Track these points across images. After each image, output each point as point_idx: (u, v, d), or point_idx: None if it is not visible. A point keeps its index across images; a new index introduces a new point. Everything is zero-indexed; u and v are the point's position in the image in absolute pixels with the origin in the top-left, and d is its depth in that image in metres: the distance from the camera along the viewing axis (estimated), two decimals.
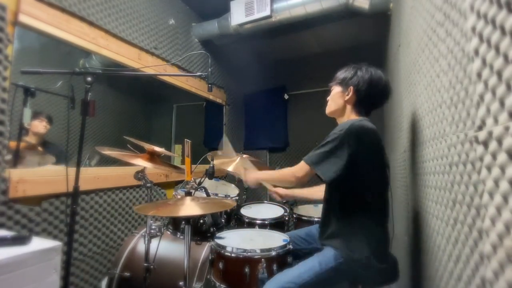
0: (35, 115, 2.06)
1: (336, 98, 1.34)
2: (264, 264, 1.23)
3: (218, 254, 1.30)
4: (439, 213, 0.91)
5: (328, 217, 1.27)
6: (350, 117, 1.30)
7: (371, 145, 1.16)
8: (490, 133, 0.55)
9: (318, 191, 1.74)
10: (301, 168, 1.21)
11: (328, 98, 1.39)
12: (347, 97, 1.29)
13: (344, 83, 1.31)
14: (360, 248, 1.14)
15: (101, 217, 1.87)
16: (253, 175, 1.50)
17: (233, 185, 2.17)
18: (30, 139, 2.04)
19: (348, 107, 1.31)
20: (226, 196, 1.81)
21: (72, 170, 1.29)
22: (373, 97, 1.29)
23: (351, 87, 1.28)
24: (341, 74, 1.34)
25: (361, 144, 1.12)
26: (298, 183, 1.24)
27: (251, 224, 1.82)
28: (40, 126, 2.06)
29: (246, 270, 1.22)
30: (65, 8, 1.67)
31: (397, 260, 1.24)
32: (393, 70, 2.15)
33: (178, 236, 1.52)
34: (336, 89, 1.35)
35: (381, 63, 3.12)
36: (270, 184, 1.83)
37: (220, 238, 1.42)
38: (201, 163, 1.67)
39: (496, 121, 0.54)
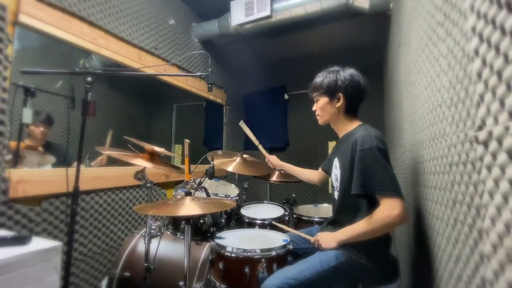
0: (34, 118, 2.02)
1: (327, 108, 1.32)
2: (264, 264, 1.23)
3: (218, 254, 1.30)
4: (439, 213, 0.91)
5: (343, 217, 1.26)
6: (345, 121, 1.32)
7: (387, 149, 1.17)
8: (490, 133, 0.55)
9: (309, 174, 1.78)
10: (394, 205, 1.05)
11: (315, 108, 1.37)
12: (338, 104, 1.29)
13: (329, 91, 1.29)
14: (362, 249, 1.14)
15: (101, 217, 1.87)
16: (332, 238, 1.19)
17: (233, 185, 2.17)
18: (31, 142, 2.03)
19: (341, 112, 1.31)
20: (226, 196, 1.81)
21: (72, 170, 1.30)
22: (360, 95, 1.30)
23: (340, 94, 1.27)
24: (322, 82, 1.31)
25: (387, 148, 1.15)
26: (401, 221, 1.06)
27: (251, 224, 1.82)
28: (36, 131, 2.04)
29: (246, 270, 1.22)
30: (65, 8, 1.67)
31: (397, 260, 1.24)
32: (393, 70, 2.15)
33: (178, 236, 1.52)
34: (323, 99, 1.32)
35: (381, 63, 3.12)
36: (265, 151, 1.90)
37: (220, 238, 1.42)
38: (201, 163, 1.67)
39: (496, 121, 0.54)
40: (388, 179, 1.08)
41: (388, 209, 1.05)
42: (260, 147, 1.91)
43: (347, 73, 1.29)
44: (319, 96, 1.33)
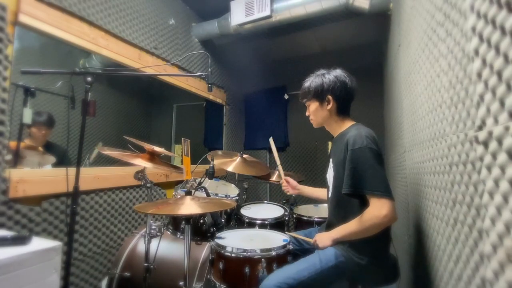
0: (35, 119, 1.99)
1: (319, 112, 1.33)
2: (264, 264, 1.23)
3: (218, 254, 1.30)
4: (439, 213, 0.91)
5: (336, 218, 1.27)
6: (338, 122, 1.33)
7: (379, 149, 1.17)
8: (490, 133, 0.55)
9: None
10: (381, 205, 1.06)
11: (308, 113, 1.39)
12: (329, 106, 1.30)
13: (318, 95, 1.30)
14: (361, 249, 1.15)
15: (101, 217, 1.87)
16: (328, 237, 1.23)
17: (233, 185, 2.17)
18: (31, 142, 2.03)
19: (333, 114, 1.32)
20: (226, 196, 1.81)
21: (72, 170, 1.30)
22: (349, 95, 1.31)
23: (329, 96, 1.28)
24: (309, 87, 1.32)
25: (378, 148, 1.15)
26: (389, 222, 1.08)
27: (251, 224, 1.82)
28: (38, 134, 2.04)
29: (246, 270, 1.22)
30: (65, 8, 1.67)
31: (397, 260, 1.24)
32: (393, 70, 2.15)
33: (178, 236, 1.52)
34: (313, 104, 1.33)
35: (381, 63, 3.12)
36: (282, 172, 1.80)
37: (220, 238, 1.42)
38: (201, 163, 1.68)
39: (496, 121, 0.54)
40: (377, 179, 1.08)
41: (376, 209, 1.07)
42: (280, 167, 1.81)
43: (332, 75, 1.29)
44: (309, 101, 1.35)
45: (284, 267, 1.18)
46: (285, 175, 1.82)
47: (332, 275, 1.14)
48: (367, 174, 1.09)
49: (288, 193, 1.78)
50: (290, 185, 1.76)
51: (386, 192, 1.07)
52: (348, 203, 1.19)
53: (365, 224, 1.10)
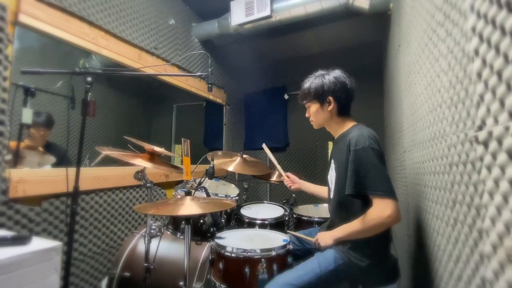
0: (33, 120, 1.99)
1: (320, 113, 1.32)
2: (264, 264, 1.23)
3: (218, 254, 1.30)
4: (439, 213, 0.91)
5: (338, 218, 1.27)
6: (339, 123, 1.33)
7: (381, 149, 1.17)
8: (490, 133, 0.55)
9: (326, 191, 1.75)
10: (385, 205, 1.05)
11: (308, 115, 1.38)
12: (330, 107, 1.29)
13: (318, 97, 1.30)
14: (362, 251, 1.14)
15: (101, 217, 1.87)
16: (330, 236, 1.22)
17: (233, 185, 2.17)
18: (31, 142, 2.03)
19: (334, 115, 1.32)
20: (226, 196, 1.81)
21: (72, 170, 1.30)
22: (350, 95, 1.30)
23: (330, 97, 1.28)
24: (310, 89, 1.31)
25: (381, 148, 1.15)
26: (392, 222, 1.07)
27: (251, 224, 1.82)
28: (37, 134, 2.03)
29: (246, 270, 1.22)
30: (65, 8, 1.67)
31: (397, 260, 1.24)
32: (393, 70, 2.15)
33: (178, 236, 1.52)
34: (314, 106, 1.33)
35: (381, 63, 3.12)
36: (282, 170, 1.85)
37: (220, 238, 1.42)
38: (201, 163, 1.68)
39: (496, 121, 0.54)
40: (381, 179, 1.08)
41: (379, 209, 1.06)
42: (279, 167, 1.88)
43: (332, 76, 1.29)
44: (310, 103, 1.34)
45: (284, 273, 1.17)
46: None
47: (332, 279, 1.14)
48: (370, 174, 1.08)
49: (291, 188, 1.81)
50: (292, 180, 1.80)
51: (389, 192, 1.06)
52: (350, 204, 1.19)
53: (368, 224, 1.09)
